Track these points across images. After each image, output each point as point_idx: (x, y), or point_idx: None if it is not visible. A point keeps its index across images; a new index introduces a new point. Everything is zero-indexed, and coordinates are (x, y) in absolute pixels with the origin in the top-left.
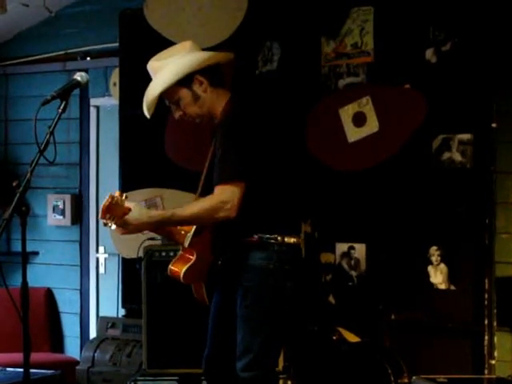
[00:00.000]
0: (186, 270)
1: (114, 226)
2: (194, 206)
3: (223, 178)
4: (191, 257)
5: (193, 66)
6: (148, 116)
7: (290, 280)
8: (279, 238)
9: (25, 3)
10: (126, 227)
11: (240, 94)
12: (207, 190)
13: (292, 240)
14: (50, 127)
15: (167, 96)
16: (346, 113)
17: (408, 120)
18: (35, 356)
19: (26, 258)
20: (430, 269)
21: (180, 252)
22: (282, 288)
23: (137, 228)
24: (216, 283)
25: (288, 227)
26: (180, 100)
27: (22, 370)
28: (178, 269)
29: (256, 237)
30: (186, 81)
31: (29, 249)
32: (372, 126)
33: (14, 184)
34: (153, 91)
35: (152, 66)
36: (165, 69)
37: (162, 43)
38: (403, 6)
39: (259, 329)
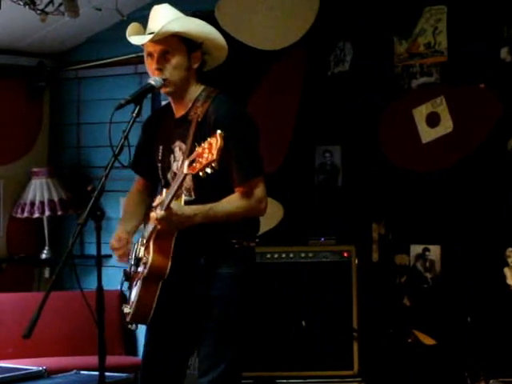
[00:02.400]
0: None
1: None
2: (230, 203)
3: (255, 172)
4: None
5: (211, 37)
6: (142, 42)
7: (255, 286)
8: (244, 242)
9: (97, 7)
10: (169, 221)
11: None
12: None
13: (252, 244)
14: (124, 131)
15: (164, 42)
16: (420, 113)
17: (483, 120)
18: (109, 359)
19: (100, 262)
20: (507, 270)
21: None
22: (249, 295)
23: (179, 221)
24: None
25: (250, 231)
26: (173, 56)
27: (96, 373)
28: None
29: (227, 241)
30: (192, 45)
31: (102, 252)
32: (446, 126)
33: (89, 188)
34: (171, 26)
35: (166, 9)
36: (188, 18)
37: (233, 45)
38: (477, 5)
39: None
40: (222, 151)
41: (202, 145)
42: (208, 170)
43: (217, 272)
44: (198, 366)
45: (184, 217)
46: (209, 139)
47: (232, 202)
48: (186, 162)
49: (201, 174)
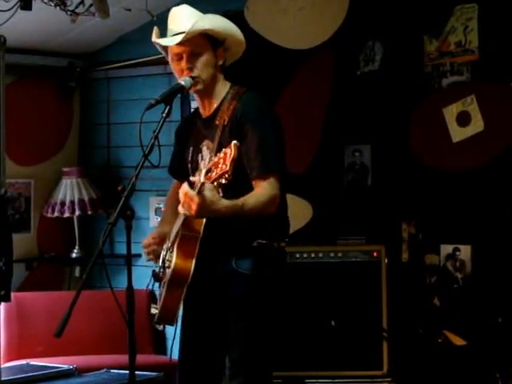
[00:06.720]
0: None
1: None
2: (251, 197)
3: (274, 167)
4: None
5: (232, 33)
6: (174, 43)
7: (283, 287)
8: (275, 243)
9: (127, 8)
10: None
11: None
12: None
13: (282, 245)
14: (154, 131)
15: (192, 41)
16: (450, 112)
17: None
18: (139, 358)
19: (130, 261)
20: None
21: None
22: (279, 296)
23: (206, 209)
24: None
25: (280, 232)
26: (202, 54)
27: (126, 371)
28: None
29: (256, 242)
30: (216, 42)
31: (132, 251)
32: (477, 125)
33: (119, 188)
34: (200, 24)
35: (186, 9)
36: (212, 16)
37: (263, 45)
38: (508, 3)
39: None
40: (236, 162)
41: (219, 154)
42: (222, 181)
43: (247, 273)
44: (228, 368)
45: (213, 204)
46: (224, 149)
47: (253, 196)
48: (204, 171)
49: (215, 183)
